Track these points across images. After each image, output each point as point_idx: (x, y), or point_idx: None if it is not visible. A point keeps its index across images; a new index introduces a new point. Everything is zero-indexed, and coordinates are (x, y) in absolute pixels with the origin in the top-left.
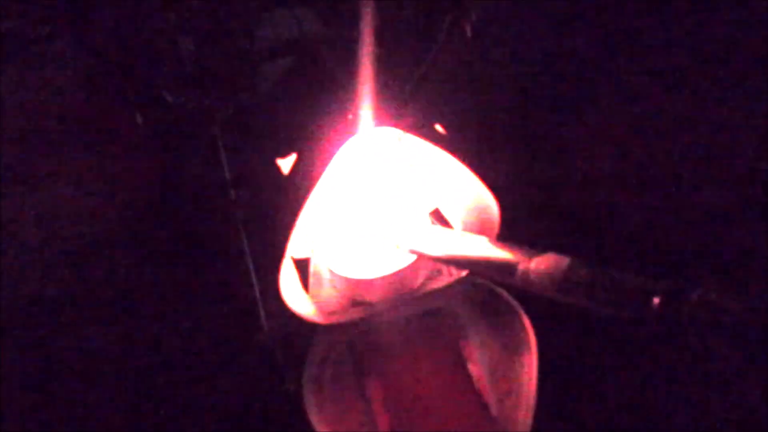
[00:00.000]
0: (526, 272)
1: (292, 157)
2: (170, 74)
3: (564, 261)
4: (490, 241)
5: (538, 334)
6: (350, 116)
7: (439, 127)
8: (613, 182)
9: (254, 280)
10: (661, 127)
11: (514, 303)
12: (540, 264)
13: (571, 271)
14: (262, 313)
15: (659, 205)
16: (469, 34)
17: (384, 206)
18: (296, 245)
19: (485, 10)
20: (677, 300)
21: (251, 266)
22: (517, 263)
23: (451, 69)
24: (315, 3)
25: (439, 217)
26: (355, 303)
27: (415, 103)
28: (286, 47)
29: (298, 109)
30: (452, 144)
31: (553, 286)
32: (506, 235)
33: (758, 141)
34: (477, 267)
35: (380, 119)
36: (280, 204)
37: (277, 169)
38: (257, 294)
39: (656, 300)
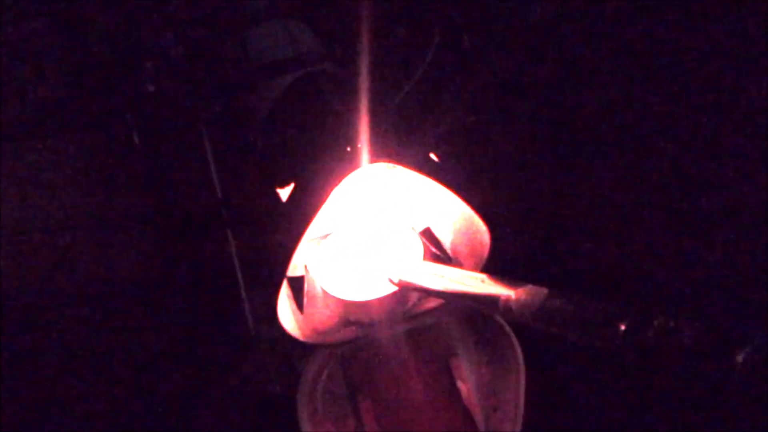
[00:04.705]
0: (507, 304)
1: (290, 187)
2: (158, 73)
3: (542, 291)
4: (472, 273)
5: (526, 353)
6: (349, 149)
7: (432, 156)
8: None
9: (244, 295)
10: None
11: (503, 322)
12: (519, 295)
13: (548, 302)
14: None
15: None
16: (467, 44)
17: (377, 236)
18: (292, 266)
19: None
20: (642, 326)
21: (241, 282)
22: (500, 296)
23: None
24: (307, 15)
25: (430, 238)
26: (348, 323)
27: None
28: (281, 65)
29: (297, 136)
30: (445, 170)
31: (532, 316)
32: (499, 257)
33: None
34: (463, 301)
35: (377, 153)
36: (277, 229)
37: (276, 196)
38: (247, 308)
39: (622, 327)
